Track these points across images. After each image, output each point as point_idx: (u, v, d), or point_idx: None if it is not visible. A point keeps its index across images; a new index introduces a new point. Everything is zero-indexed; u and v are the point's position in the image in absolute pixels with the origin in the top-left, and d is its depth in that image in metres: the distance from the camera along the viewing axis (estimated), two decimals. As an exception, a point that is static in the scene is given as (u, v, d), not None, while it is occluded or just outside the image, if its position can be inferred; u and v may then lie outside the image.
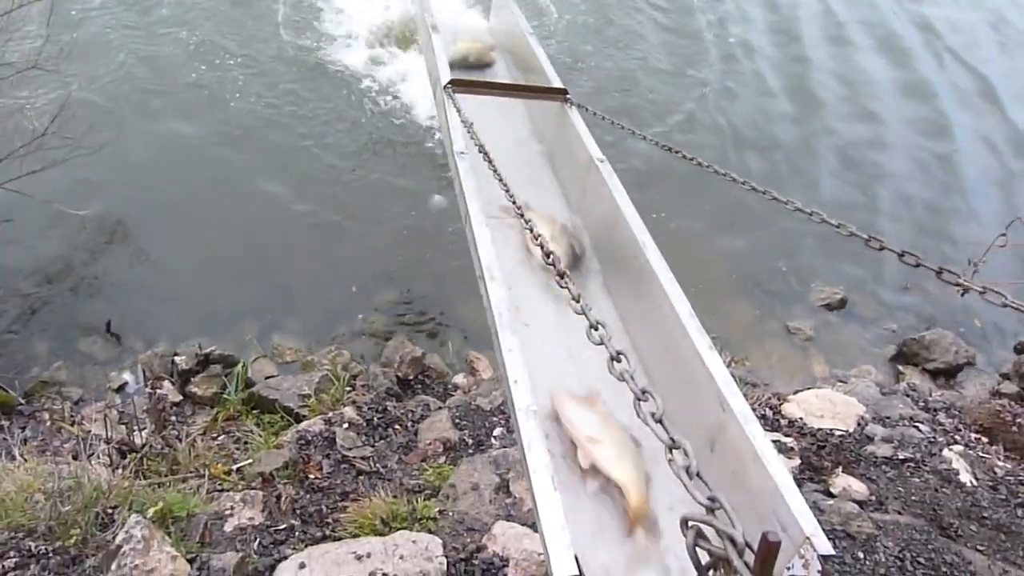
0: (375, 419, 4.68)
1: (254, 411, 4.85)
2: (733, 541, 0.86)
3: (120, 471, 3.86)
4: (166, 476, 4.01)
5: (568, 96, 3.53)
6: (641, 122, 7.75)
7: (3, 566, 3.01)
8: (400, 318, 5.90)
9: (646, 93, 8.48)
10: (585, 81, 8.27)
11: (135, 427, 4.47)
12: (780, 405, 5.04)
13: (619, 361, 1.27)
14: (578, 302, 1.41)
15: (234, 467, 4.17)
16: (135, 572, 2.93)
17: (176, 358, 5.19)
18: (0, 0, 5.62)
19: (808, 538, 1.61)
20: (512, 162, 3.32)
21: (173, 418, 4.79)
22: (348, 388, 5.03)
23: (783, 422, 4.84)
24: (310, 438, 4.37)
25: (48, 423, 4.61)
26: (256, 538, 3.49)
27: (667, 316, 2.36)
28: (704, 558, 0.91)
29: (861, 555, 3.54)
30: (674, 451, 1.06)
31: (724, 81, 9.04)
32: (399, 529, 3.48)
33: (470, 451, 4.41)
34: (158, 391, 4.82)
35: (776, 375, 5.90)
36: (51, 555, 3.09)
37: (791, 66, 9.62)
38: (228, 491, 3.90)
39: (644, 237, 2.64)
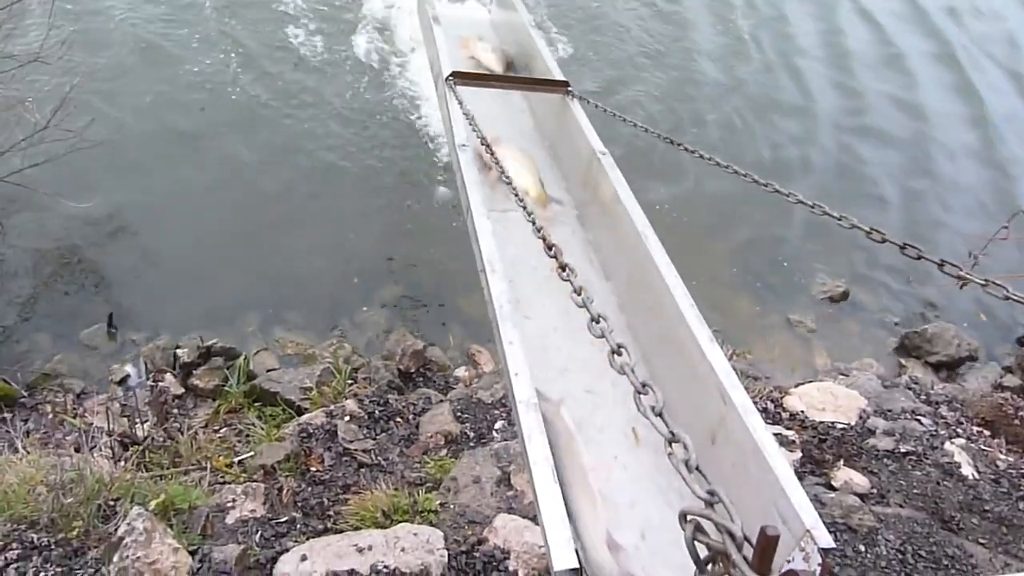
0: (376, 412, 4.69)
1: (256, 404, 4.85)
2: (732, 535, 0.86)
3: (122, 463, 3.88)
4: (168, 468, 4.02)
5: (570, 88, 3.52)
6: (642, 114, 7.73)
7: (6, 558, 3.02)
8: (402, 311, 5.89)
9: (647, 84, 8.45)
10: (586, 73, 8.24)
11: (137, 419, 4.48)
12: (782, 398, 5.04)
13: (619, 355, 1.26)
14: (579, 295, 1.40)
15: (236, 460, 4.17)
16: (137, 564, 2.94)
17: (178, 350, 5.19)
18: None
19: (808, 531, 1.61)
20: (514, 154, 3.31)
21: (175, 411, 4.79)
22: (350, 381, 5.03)
23: (785, 415, 4.84)
24: (312, 431, 4.37)
25: (50, 415, 4.61)
26: (258, 530, 3.50)
27: (668, 308, 2.35)
28: (703, 552, 0.90)
29: (862, 548, 3.55)
30: (674, 444, 1.05)
31: (726, 72, 9.01)
32: (400, 522, 3.48)
33: (471, 444, 4.41)
34: (160, 384, 4.82)
35: (778, 368, 5.90)
36: (53, 547, 3.10)
37: (791, 56, 9.58)
38: (230, 483, 3.91)
39: (646, 229, 2.63)
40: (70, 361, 5.13)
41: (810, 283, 6.81)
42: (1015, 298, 1.36)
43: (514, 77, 3.68)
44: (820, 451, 4.42)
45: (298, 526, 3.60)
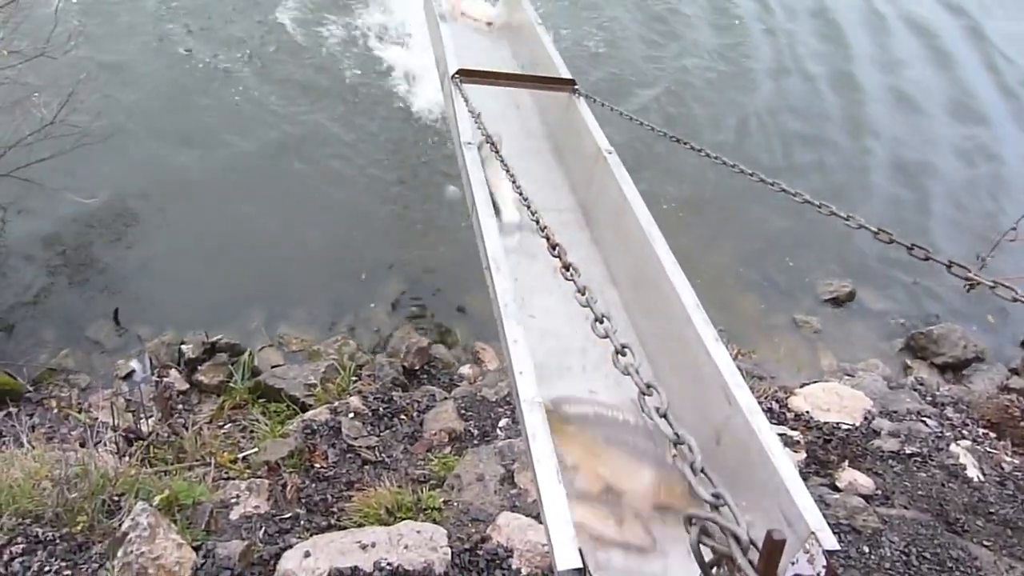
0: (381, 409, 4.69)
1: (260, 400, 4.87)
2: (737, 538, 0.85)
3: (127, 459, 3.88)
4: (172, 464, 4.03)
5: (576, 87, 3.51)
6: (651, 114, 7.72)
7: (11, 552, 3.03)
8: (407, 308, 5.90)
9: (652, 82, 8.43)
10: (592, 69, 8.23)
11: (142, 415, 4.49)
12: (787, 398, 5.02)
13: (624, 355, 1.26)
14: (583, 294, 1.40)
15: (240, 456, 4.18)
16: (141, 559, 2.94)
17: (183, 346, 5.20)
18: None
19: (813, 533, 1.60)
20: (520, 152, 3.30)
21: (180, 406, 4.81)
22: (354, 378, 5.04)
23: (790, 415, 4.82)
24: (316, 427, 4.38)
25: (55, 410, 4.63)
26: (262, 526, 3.50)
27: (673, 308, 2.34)
28: (708, 556, 0.90)
29: (867, 549, 3.53)
30: (678, 446, 1.04)
31: (730, 69, 8.98)
32: (404, 519, 3.48)
33: (475, 442, 4.41)
34: (165, 379, 4.84)
35: (783, 368, 5.88)
36: (58, 541, 3.11)
37: (801, 58, 9.55)
38: (234, 479, 3.91)
39: (651, 229, 2.62)
40: (75, 356, 5.15)
41: (816, 283, 6.78)
42: (1023, 300, 1.35)
43: (521, 75, 3.67)
44: (825, 452, 4.41)
45: (302, 522, 3.61)
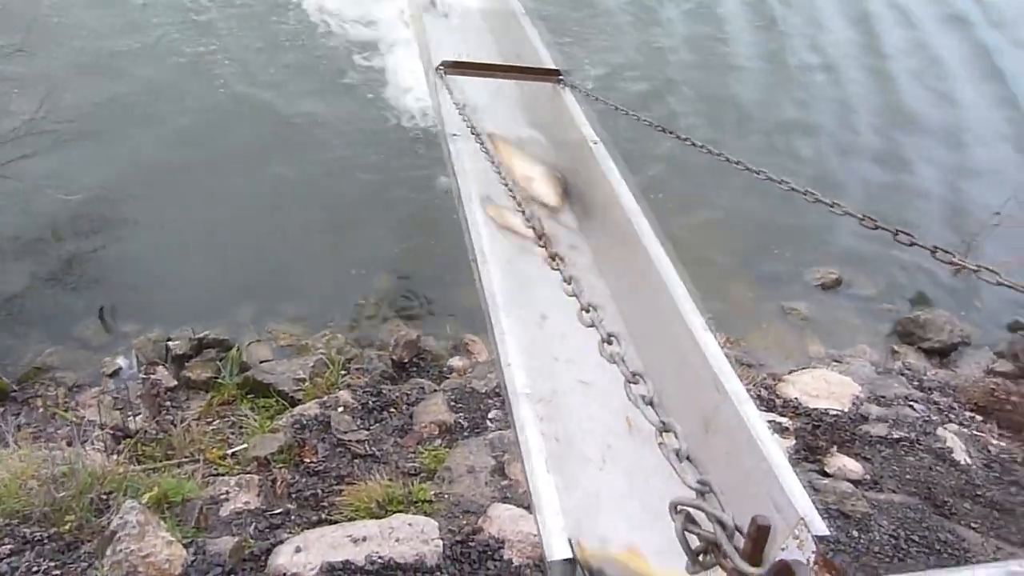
0: (370, 402, 4.68)
1: (249, 395, 4.84)
2: (723, 524, 0.85)
3: (115, 457, 3.86)
4: (161, 461, 4.01)
5: (562, 77, 3.50)
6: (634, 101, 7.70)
7: (-1, 552, 3.01)
8: (396, 301, 5.88)
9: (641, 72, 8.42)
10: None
11: (129, 412, 4.46)
12: (776, 385, 5.04)
13: (610, 343, 1.25)
14: (570, 284, 1.39)
15: (230, 451, 4.16)
16: (131, 557, 2.92)
17: (170, 343, 5.17)
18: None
19: (803, 519, 1.61)
20: (506, 143, 3.29)
21: (168, 403, 4.78)
22: (343, 371, 5.03)
23: (779, 402, 4.85)
24: (305, 422, 4.37)
25: (42, 409, 4.59)
26: (252, 522, 3.49)
27: (662, 297, 2.34)
28: (694, 543, 0.89)
29: (856, 533, 3.56)
30: (664, 434, 1.04)
31: (713, 60, 8.98)
32: (395, 512, 3.47)
33: (466, 434, 4.41)
34: (152, 376, 4.81)
35: (772, 355, 5.90)
36: (47, 541, 3.09)
37: (785, 42, 9.56)
38: (224, 476, 3.90)
39: (639, 218, 2.62)
40: (62, 355, 5.11)
41: (803, 270, 6.80)
42: (1007, 284, 1.36)
43: (506, 66, 3.65)
44: (814, 438, 4.43)
45: (292, 517, 3.59)
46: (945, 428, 4.63)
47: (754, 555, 0.84)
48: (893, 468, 4.20)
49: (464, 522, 3.48)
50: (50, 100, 5.34)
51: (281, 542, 3.28)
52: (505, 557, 3.25)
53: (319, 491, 3.84)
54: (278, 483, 3.86)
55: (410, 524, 3.34)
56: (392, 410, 4.65)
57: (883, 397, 5.06)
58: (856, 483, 3.98)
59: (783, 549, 1.61)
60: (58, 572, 2.94)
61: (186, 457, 4.08)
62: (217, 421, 4.60)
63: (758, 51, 9.34)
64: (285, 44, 7.71)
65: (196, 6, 7.93)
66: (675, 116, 7.85)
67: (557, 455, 2.13)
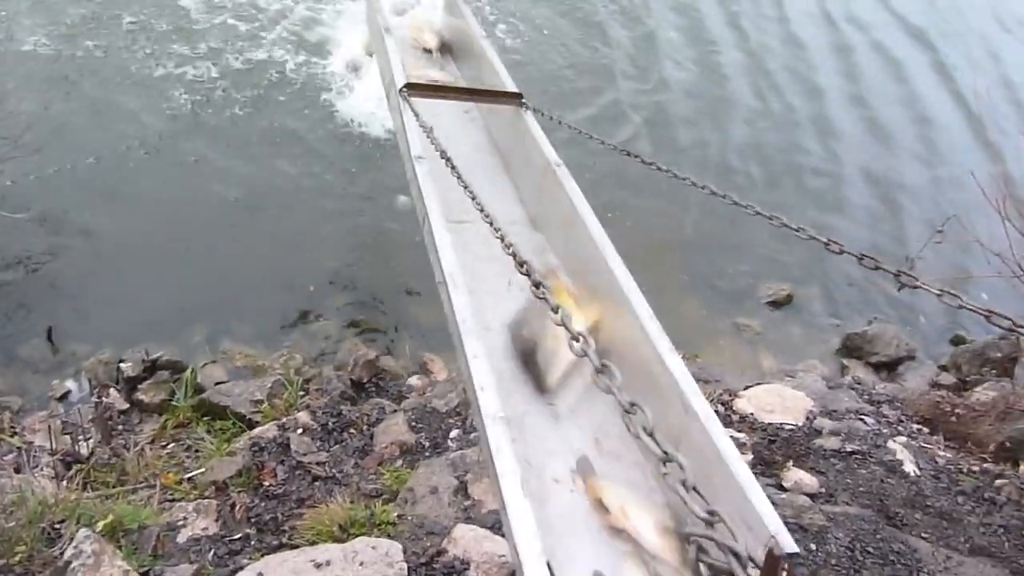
0: (330, 423, 4.64)
1: (205, 418, 4.75)
2: (736, 555, 0.87)
3: (66, 483, 3.75)
4: (115, 487, 3.91)
5: (523, 100, 3.54)
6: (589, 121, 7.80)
7: (-57, 587, 2.90)
8: (353, 320, 5.84)
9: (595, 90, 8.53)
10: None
11: (80, 437, 4.34)
12: (732, 400, 5.13)
13: (603, 373, 1.27)
14: (557, 313, 1.41)
15: (186, 476, 4.08)
16: (86, 588, 2.85)
17: (122, 364, 5.04)
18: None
19: (773, 536, 1.65)
20: (468, 166, 3.30)
21: (120, 427, 4.66)
22: (301, 392, 4.97)
23: (735, 417, 4.93)
24: (264, 444, 4.30)
25: (-13, 435, 4.44)
26: (211, 548, 3.43)
27: (627, 318, 2.38)
28: (707, 573, 0.91)
29: (814, 546, 3.64)
30: (668, 464, 1.06)
31: (679, 78, 9.15)
32: (358, 535, 3.44)
33: (427, 454, 4.39)
34: (104, 399, 4.68)
35: (727, 371, 6.01)
36: (-5, 574, 2.99)
37: (749, 60, 9.78)
38: (180, 501, 3.82)
39: (602, 239, 2.66)
40: (6, 377, 4.95)
41: (755, 287, 6.95)
42: (969, 307, 1.42)
43: (468, 89, 3.68)
44: (770, 452, 4.52)
45: (252, 543, 3.54)
46: (894, 440, 4.76)
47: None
48: (847, 481, 4.30)
49: (428, 544, 3.46)
50: (-2, 114, 5.20)
51: (241, 568, 3.22)
52: (471, 578, 3.25)
53: (279, 515, 3.79)
54: (237, 507, 3.79)
55: (373, 547, 3.31)
56: (352, 431, 4.61)
57: (835, 411, 5.19)
58: (812, 496, 4.07)
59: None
60: (8, 606, 2.85)
61: (141, 482, 3.98)
62: (172, 445, 4.51)
63: (721, 65, 9.54)
64: (239, 62, 7.61)
65: (154, 18, 7.79)
66: (623, 135, 7.96)
67: (526, 478, 2.14)
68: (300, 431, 4.48)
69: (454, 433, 4.57)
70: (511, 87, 3.69)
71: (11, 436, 4.42)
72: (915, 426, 5.16)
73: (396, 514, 3.68)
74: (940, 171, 8.95)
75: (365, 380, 5.30)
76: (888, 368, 6.41)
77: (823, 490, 4.18)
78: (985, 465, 4.68)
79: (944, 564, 3.71)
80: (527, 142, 3.37)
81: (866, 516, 3.94)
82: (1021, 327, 1.39)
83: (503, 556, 3.30)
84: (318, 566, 3.18)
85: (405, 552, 3.30)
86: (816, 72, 10.06)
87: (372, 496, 3.93)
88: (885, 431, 4.94)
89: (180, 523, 3.56)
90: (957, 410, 5.26)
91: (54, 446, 4.17)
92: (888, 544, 3.74)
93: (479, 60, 4.18)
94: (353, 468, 4.24)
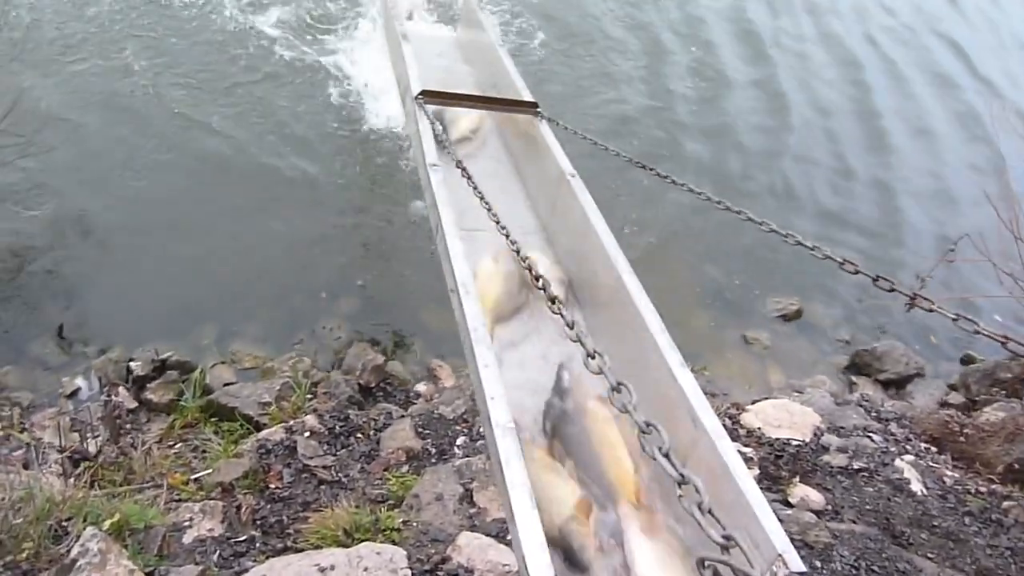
0: (337, 427, 4.64)
1: (212, 419, 4.77)
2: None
3: (73, 481, 3.77)
4: (122, 486, 3.92)
5: (539, 110, 3.54)
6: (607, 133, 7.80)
7: (-50, 582, 2.92)
8: (362, 324, 5.84)
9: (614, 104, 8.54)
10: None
11: (89, 435, 4.36)
12: (739, 415, 5.12)
13: (619, 392, 1.26)
14: (572, 329, 1.41)
15: (192, 477, 4.09)
16: (92, 587, 2.86)
17: (131, 363, 5.07)
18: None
19: (780, 555, 1.64)
20: (482, 174, 3.31)
21: (128, 426, 4.68)
22: (309, 396, 4.98)
23: (742, 432, 4.92)
24: (271, 447, 4.31)
25: (-3, 430, 4.46)
26: (216, 550, 3.44)
27: (638, 331, 2.38)
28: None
29: (819, 564, 3.62)
30: (683, 487, 1.05)
31: (695, 92, 9.16)
32: (362, 540, 3.44)
33: (433, 460, 4.39)
34: (113, 398, 4.70)
35: (735, 385, 6.00)
36: (2, 570, 2.99)
37: (756, 70, 9.79)
38: (186, 501, 3.83)
39: (615, 252, 2.66)
40: (17, 374, 4.97)
41: (765, 301, 6.94)
42: (985, 333, 1.42)
43: (484, 97, 3.68)
44: (777, 468, 4.51)
45: (257, 545, 3.55)
46: (902, 459, 4.75)
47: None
48: (853, 498, 4.29)
49: (432, 551, 3.46)
50: (15, 112, 5.22)
51: (246, 570, 3.23)
52: (474, 587, 3.24)
53: (284, 518, 3.79)
54: (242, 509, 3.80)
55: (378, 553, 3.31)
56: (359, 435, 4.62)
57: (842, 428, 5.17)
58: (818, 513, 4.06)
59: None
60: (14, 602, 2.86)
61: (147, 482, 4.00)
62: (179, 445, 4.52)
63: (737, 81, 9.54)
64: (266, 67, 7.64)
65: (166, 27, 7.83)
66: (637, 146, 7.97)
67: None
68: (307, 434, 4.48)
69: (460, 440, 4.57)
70: (527, 96, 3.69)
71: (21, 432, 4.44)
72: (923, 445, 5.14)
73: (401, 520, 3.68)
74: (953, 189, 8.93)
75: (373, 385, 5.31)
76: (897, 385, 6.39)
77: (829, 507, 4.17)
78: (993, 486, 4.65)
79: (950, 585, 3.70)
80: (542, 152, 3.37)
81: (872, 534, 3.92)
82: (1037, 352, 1.38)
83: (507, 565, 3.30)
84: (322, 570, 3.18)
85: (409, 559, 3.31)
86: (830, 86, 10.07)
87: (377, 501, 3.93)
88: (892, 449, 4.92)
89: (186, 524, 3.57)
90: (966, 430, 5.24)
91: (63, 443, 4.19)
92: (893, 563, 3.72)
93: (495, 68, 4.19)
94: (359, 473, 4.24)
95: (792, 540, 3.59)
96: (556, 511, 1.91)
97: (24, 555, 3.06)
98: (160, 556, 3.30)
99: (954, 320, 1.49)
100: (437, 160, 3.01)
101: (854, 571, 3.63)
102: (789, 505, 4.13)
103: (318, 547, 3.46)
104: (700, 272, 7.02)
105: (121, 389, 4.89)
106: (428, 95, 3.42)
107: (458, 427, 4.71)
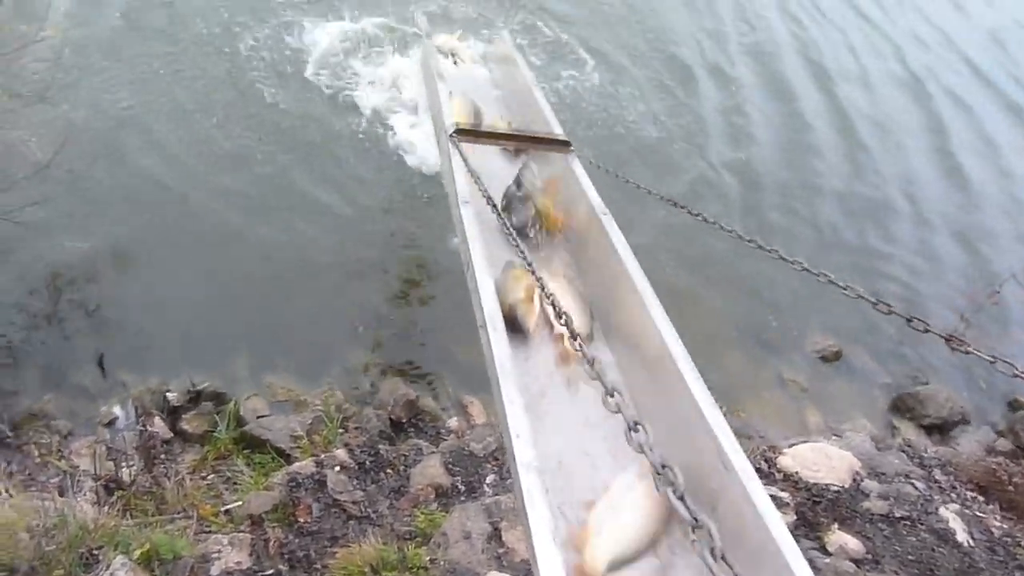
0: (367, 462, 4.64)
1: (245, 450, 4.79)
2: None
3: (107, 509, 3.81)
4: (153, 515, 3.95)
5: (572, 148, 3.56)
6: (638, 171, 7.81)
7: (-17, 606, 2.95)
8: (395, 359, 5.86)
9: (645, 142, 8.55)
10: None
11: (124, 463, 4.41)
12: (775, 458, 5.01)
13: (636, 431, 1.25)
14: (593, 366, 1.39)
15: (223, 508, 4.10)
16: (119, 616, 2.87)
17: (168, 394, 5.13)
18: (13, 32, 5.69)
19: (812, 606, 1.59)
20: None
21: (162, 455, 4.73)
22: (340, 430, 4.98)
23: (778, 475, 4.81)
24: (301, 480, 4.32)
25: (36, 457, 4.53)
26: (243, 583, 3.43)
27: (668, 371, 2.35)
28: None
29: (858, 616, 3.50)
30: (696, 531, 1.02)
31: (723, 127, 9.13)
32: (389, 577, 3.42)
33: (462, 498, 4.36)
34: (149, 427, 4.76)
35: (771, 426, 5.87)
36: (33, 597, 3.03)
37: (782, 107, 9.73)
38: (216, 533, 3.84)
39: (646, 290, 2.64)
40: (59, 401, 5.05)
41: (803, 341, 6.82)
42: (1022, 376, 1.37)
43: (518, 135, 3.72)
44: (814, 513, 4.38)
45: (284, 579, 3.54)
46: (946, 508, 4.59)
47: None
48: (895, 548, 4.14)
49: (459, 590, 3.42)
50: (65, 148, 5.40)
51: (272, 605, 3.23)
52: (500, 628, 3.19)
53: (312, 552, 3.79)
54: (271, 542, 3.80)
55: (404, 590, 3.29)
56: (389, 471, 4.61)
57: (883, 473, 5.02)
58: (857, 563, 3.93)
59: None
60: (43, 629, 2.88)
61: (179, 512, 4.02)
62: (211, 476, 4.55)
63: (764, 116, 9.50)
64: (301, 102, 7.81)
65: (220, 62, 8.06)
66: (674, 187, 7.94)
67: (559, 527, 2.11)
68: (337, 468, 4.49)
69: (490, 478, 4.53)
70: (560, 134, 3.72)
71: (59, 460, 4.51)
72: (969, 493, 4.97)
73: (428, 558, 3.65)
74: (999, 228, 8.75)
75: (404, 420, 5.30)
76: (940, 431, 6.19)
77: (869, 556, 4.04)
78: (1044, 539, 4.47)
79: (997, 642, 3.54)
80: (573, 189, 3.38)
81: (914, 586, 3.78)
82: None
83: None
84: (348, 607, 3.17)
85: (435, 597, 3.27)
86: (864, 120, 9.97)
87: (405, 538, 3.90)
88: (936, 497, 4.77)
89: (214, 555, 3.58)
90: (1015, 479, 5.05)
91: (98, 471, 4.24)
92: (938, 617, 3.58)
93: (530, 106, 4.23)
94: (388, 508, 4.23)
95: (830, 590, 3.49)
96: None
97: (55, 582, 3.10)
98: (187, 587, 3.30)
99: (991, 362, 1.44)
100: (469, 197, 3.03)
101: (895, 624, 3.50)
102: (827, 553, 4.01)
103: (344, 583, 3.44)
104: (737, 311, 6.92)
105: (157, 419, 4.95)
106: (461, 132, 3.46)
107: (488, 464, 4.68)
